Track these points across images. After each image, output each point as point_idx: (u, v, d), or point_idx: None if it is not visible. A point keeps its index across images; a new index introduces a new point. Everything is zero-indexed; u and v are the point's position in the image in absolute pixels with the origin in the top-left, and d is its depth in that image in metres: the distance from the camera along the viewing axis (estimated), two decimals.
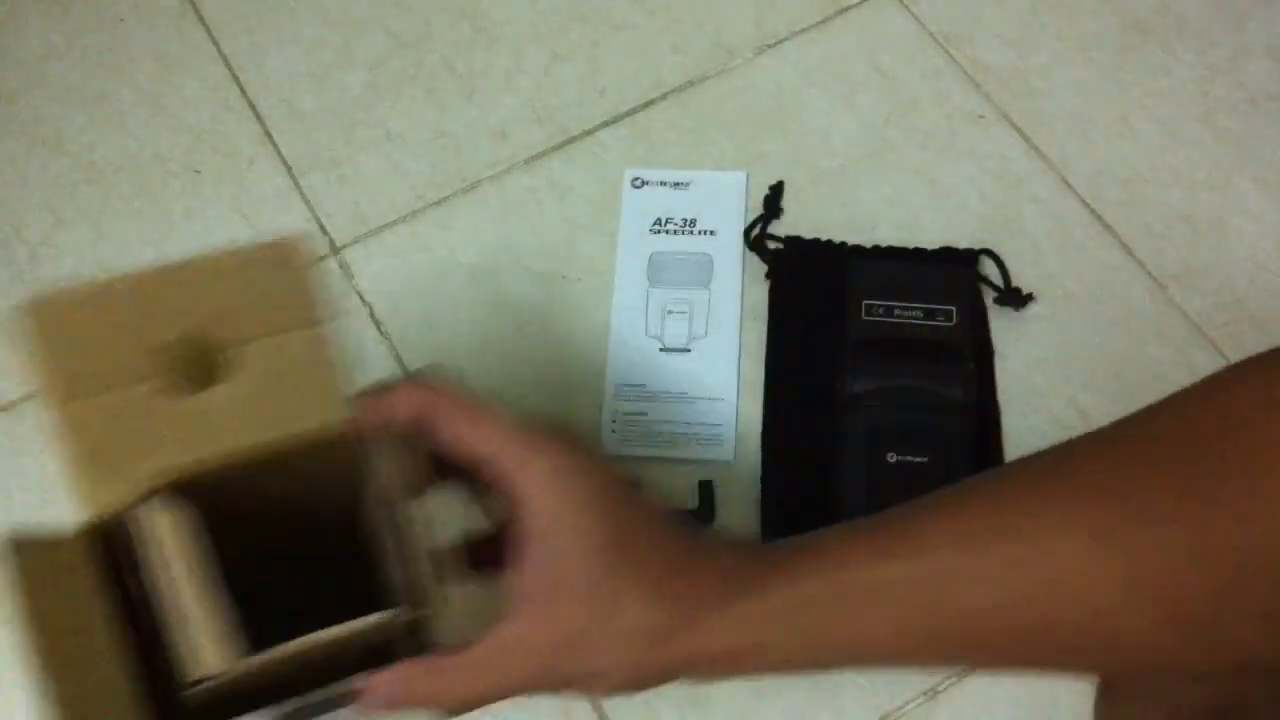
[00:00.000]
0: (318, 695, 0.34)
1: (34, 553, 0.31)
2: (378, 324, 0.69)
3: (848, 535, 0.38)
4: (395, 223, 0.72)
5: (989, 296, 0.69)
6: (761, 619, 0.36)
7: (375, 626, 0.35)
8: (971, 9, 0.79)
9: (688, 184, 0.72)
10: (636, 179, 0.72)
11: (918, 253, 0.70)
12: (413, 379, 0.37)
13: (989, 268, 0.70)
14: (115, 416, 0.32)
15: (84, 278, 0.31)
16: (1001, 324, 0.68)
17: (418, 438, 0.36)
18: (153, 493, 0.33)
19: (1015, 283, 0.69)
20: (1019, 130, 0.75)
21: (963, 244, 0.70)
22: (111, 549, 0.33)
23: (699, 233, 0.71)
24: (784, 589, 0.36)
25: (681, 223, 0.71)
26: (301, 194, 0.73)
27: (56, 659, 0.31)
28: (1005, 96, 0.76)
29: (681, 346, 0.68)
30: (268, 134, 0.75)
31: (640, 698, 0.60)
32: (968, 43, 0.78)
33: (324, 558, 0.37)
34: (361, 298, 0.69)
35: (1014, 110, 0.76)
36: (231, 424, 0.34)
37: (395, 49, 0.78)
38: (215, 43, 0.78)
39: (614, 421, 0.66)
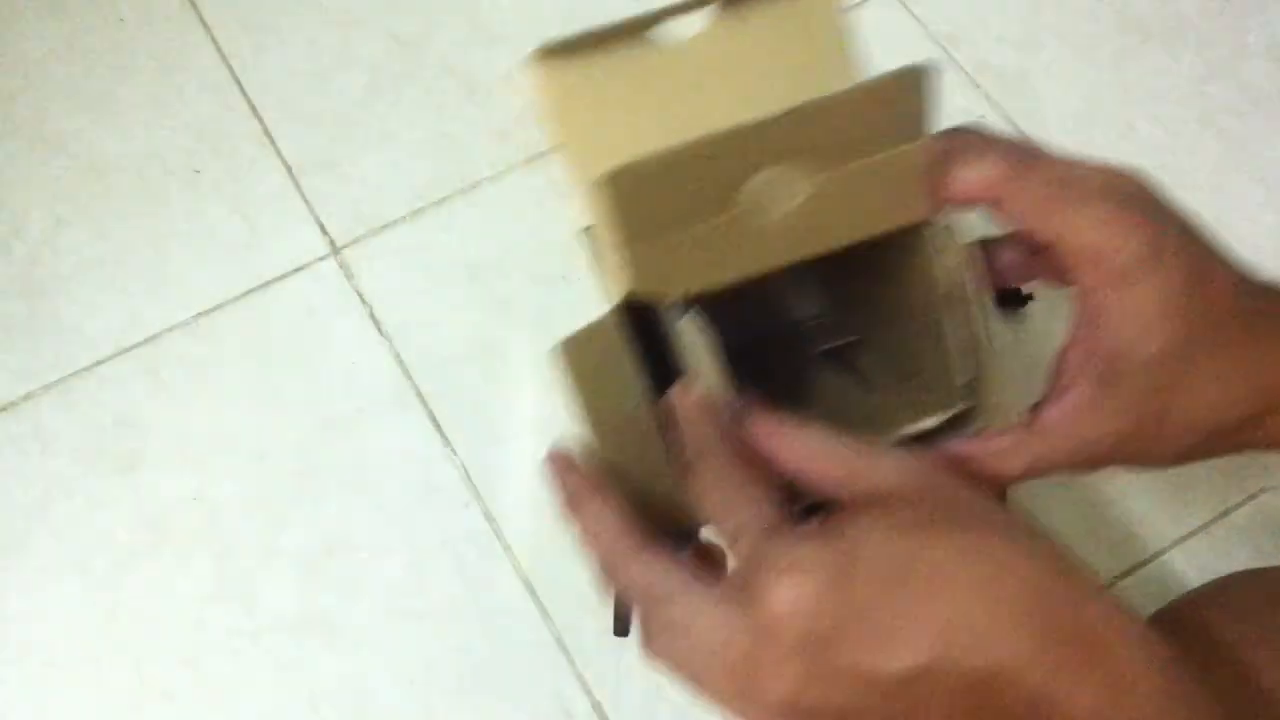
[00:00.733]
0: None
1: (580, 347, 0.35)
2: (377, 324, 0.69)
3: None
4: (395, 223, 0.72)
5: None
6: None
7: (931, 431, 0.35)
8: (971, 9, 0.79)
9: None
10: None
11: None
12: (979, 140, 0.34)
13: None
14: (681, 243, 0.32)
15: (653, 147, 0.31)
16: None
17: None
18: (691, 301, 0.33)
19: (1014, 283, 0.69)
20: (1019, 130, 0.75)
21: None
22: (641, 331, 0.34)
23: None
24: None
25: None
26: (301, 194, 0.73)
27: (611, 440, 0.34)
28: (1005, 96, 0.76)
29: None
30: (268, 134, 0.75)
31: (640, 697, 0.60)
32: (968, 43, 0.78)
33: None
34: (361, 298, 0.69)
35: (1014, 110, 0.76)
36: (798, 234, 0.34)
37: (395, 49, 0.78)
38: (215, 43, 0.78)
39: None
